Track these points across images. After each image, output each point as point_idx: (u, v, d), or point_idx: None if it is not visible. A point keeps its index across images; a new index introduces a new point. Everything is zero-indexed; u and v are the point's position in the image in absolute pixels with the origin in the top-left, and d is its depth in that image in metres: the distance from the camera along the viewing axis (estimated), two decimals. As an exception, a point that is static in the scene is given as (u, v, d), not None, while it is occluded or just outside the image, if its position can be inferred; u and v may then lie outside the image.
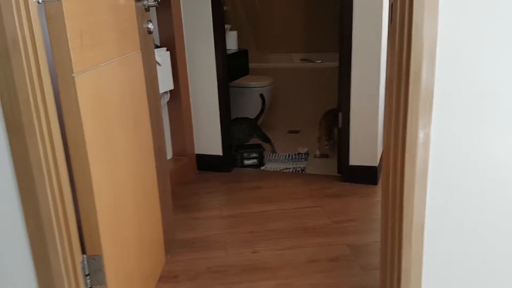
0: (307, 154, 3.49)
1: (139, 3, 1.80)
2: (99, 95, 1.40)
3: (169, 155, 3.04)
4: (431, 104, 1.22)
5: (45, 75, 1.21)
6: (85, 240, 1.40)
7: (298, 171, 3.12)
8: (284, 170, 3.15)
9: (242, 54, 3.65)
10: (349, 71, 2.70)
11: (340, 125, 2.86)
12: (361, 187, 2.76)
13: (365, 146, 2.77)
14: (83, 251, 1.41)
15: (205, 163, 3.12)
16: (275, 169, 3.18)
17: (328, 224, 2.32)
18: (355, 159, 2.80)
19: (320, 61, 4.95)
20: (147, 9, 1.87)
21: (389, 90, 1.31)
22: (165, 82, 2.76)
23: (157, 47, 2.75)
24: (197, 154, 3.13)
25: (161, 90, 2.75)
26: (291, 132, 4.11)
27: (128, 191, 1.64)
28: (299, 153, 3.51)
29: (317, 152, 3.44)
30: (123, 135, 1.59)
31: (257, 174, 3.07)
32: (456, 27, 1.19)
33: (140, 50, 1.80)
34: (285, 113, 4.46)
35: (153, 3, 1.86)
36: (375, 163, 2.77)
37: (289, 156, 3.47)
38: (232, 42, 3.55)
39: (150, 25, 1.89)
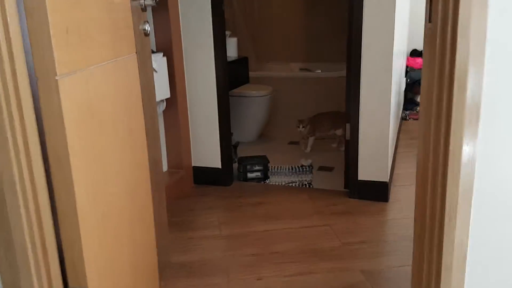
0: (311, 166, 3.30)
1: (135, 2, 1.61)
2: (88, 102, 1.21)
3: (164, 167, 2.84)
4: (478, 115, 1.04)
5: (22, 77, 1.02)
6: (68, 270, 1.20)
7: (305, 185, 2.93)
8: (290, 184, 2.96)
9: (242, 62, 3.47)
10: (358, 79, 2.53)
11: (348, 137, 2.68)
12: (371, 204, 2.57)
13: (375, 160, 2.59)
14: (65, 284, 1.20)
15: (203, 176, 2.92)
16: (280, 183, 2.98)
17: (338, 246, 2.12)
18: (364, 174, 2.62)
19: (319, 71, 4.79)
20: (144, 8, 1.69)
21: (426, 99, 1.13)
22: (161, 90, 2.57)
23: (153, 52, 2.56)
24: (194, 167, 2.93)
25: (157, 99, 2.55)
26: (291, 143, 3.93)
27: (119, 210, 1.43)
28: (302, 166, 3.32)
29: (307, 148, 3.59)
30: (115, 148, 1.39)
31: (259, 188, 2.88)
32: (508, 26, 1.02)
33: (136, 53, 1.61)
34: (284, 124, 4.28)
35: (151, 2, 1.68)
36: (386, 178, 2.59)
37: (292, 169, 3.28)
38: (232, 49, 3.38)
39: (147, 27, 1.70)
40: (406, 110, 4.56)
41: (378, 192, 2.60)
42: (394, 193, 2.67)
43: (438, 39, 1.06)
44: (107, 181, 1.33)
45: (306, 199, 2.67)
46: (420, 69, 4.83)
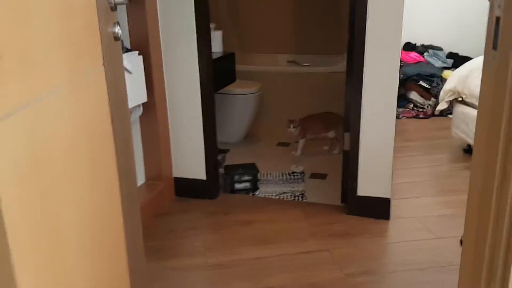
0: (303, 173, 3.04)
1: (103, 1, 1.30)
2: (34, 150, 0.90)
3: (142, 179, 2.54)
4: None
5: None
6: None
7: (297, 197, 2.68)
8: (281, 195, 2.69)
9: (228, 58, 3.15)
10: (360, 79, 2.25)
11: (347, 148, 2.42)
12: (370, 222, 2.33)
13: (376, 174, 2.34)
14: None
15: (185, 188, 2.63)
16: (270, 194, 2.72)
17: (340, 279, 1.88)
18: (363, 189, 2.37)
19: (308, 64, 4.50)
20: (114, 7, 1.37)
21: (486, 141, 0.87)
22: (137, 94, 2.26)
23: (127, 50, 2.24)
24: (175, 178, 2.64)
25: (132, 104, 2.24)
26: (280, 144, 3.66)
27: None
28: (293, 172, 3.06)
29: (297, 151, 3.38)
30: (73, 198, 1.09)
31: (248, 202, 2.60)
32: None
33: (103, 63, 1.30)
34: (273, 123, 4.00)
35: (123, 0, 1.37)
36: (388, 194, 2.35)
37: (283, 176, 3.02)
38: (217, 44, 3.05)
39: (117, 29, 1.39)
40: (399, 108, 4.33)
41: (379, 209, 2.36)
42: (395, 208, 2.43)
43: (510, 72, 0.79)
44: (64, 252, 1.03)
45: (300, 216, 2.41)
46: (415, 63, 4.62)
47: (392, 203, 2.47)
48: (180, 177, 2.62)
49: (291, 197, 2.68)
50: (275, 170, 3.11)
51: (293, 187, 2.85)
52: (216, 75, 2.70)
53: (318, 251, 2.07)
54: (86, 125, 1.16)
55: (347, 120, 2.41)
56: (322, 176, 3.01)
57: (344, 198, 2.51)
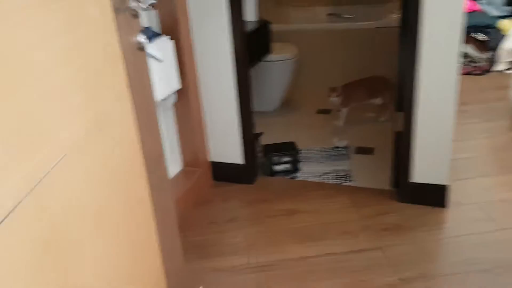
0: (346, 148, 2.85)
1: (123, 13, 1.10)
2: (42, 239, 0.76)
3: (179, 166, 2.42)
4: None
5: None
6: None
7: (343, 178, 2.50)
8: (324, 177, 2.53)
9: (263, 28, 2.89)
10: (415, 39, 1.94)
11: (399, 129, 2.20)
12: (426, 211, 2.14)
13: (433, 159, 2.11)
14: None
15: (223, 172, 2.50)
16: (312, 175, 2.55)
17: (395, 284, 1.74)
18: (418, 175, 2.16)
19: (352, 16, 4.13)
20: (137, 14, 1.17)
21: None
22: (170, 82, 2.08)
23: (156, 35, 2.03)
24: (212, 162, 2.50)
25: (165, 94, 2.07)
26: (320, 111, 3.44)
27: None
28: (336, 147, 2.87)
29: (340, 121, 3.16)
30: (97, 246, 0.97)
31: (288, 187, 2.45)
32: None
33: (129, 86, 1.12)
34: (311, 88, 3.75)
35: (147, 6, 1.16)
36: (445, 180, 2.14)
37: (325, 152, 2.83)
38: (250, 12, 2.79)
39: (143, 38, 1.20)
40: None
41: (435, 196, 2.16)
42: (451, 191, 2.21)
43: None
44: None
45: (347, 204, 2.24)
46: (469, 13, 4.16)
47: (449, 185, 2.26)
48: (217, 162, 2.49)
49: (335, 178, 2.51)
50: (315, 145, 2.92)
51: (336, 165, 2.67)
52: (251, 50, 2.47)
53: (370, 250, 1.92)
54: (109, 172, 1.01)
55: (400, 94, 2.17)
56: (369, 151, 2.80)
57: (395, 183, 2.32)
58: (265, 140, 2.81)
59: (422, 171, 2.15)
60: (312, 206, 2.24)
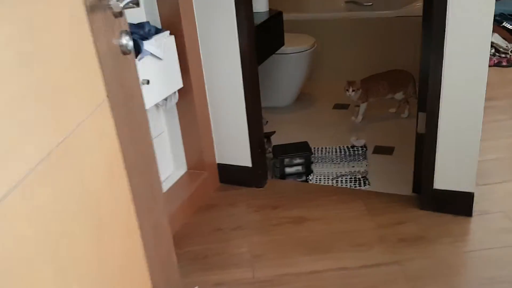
0: (364, 147, 2.67)
1: (100, 12, 0.95)
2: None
3: (184, 168, 2.29)
4: None
5: None
6: None
7: (358, 180, 2.34)
8: (339, 179, 2.37)
9: (275, 19, 2.71)
10: (440, 30, 1.75)
11: (422, 131, 2.01)
12: (449, 220, 1.97)
13: (458, 164, 1.93)
14: None
15: (230, 175, 2.36)
16: (326, 178, 2.39)
17: (414, 306, 1.58)
18: (442, 181, 1.98)
19: (370, 4, 3.91)
20: (119, 13, 1.03)
21: None
22: (170, 80, 1.94)
23: (157, 31, 1.89)
24: (219, 164, 2.36)
25: (166, 94, 1.94)
26: (337, 107, 3.26)
27: None
28: (353, 146, 2.69)
29: (358, 118, 2.98)
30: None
31: (300, 191, 2.30)
32: None
33: (108, 96, 0.98)
34: (328, 81, 3.57)
35: (129, 3, 1.01)
36: (471, 188, 1.95)
37: (341, 151, 2.67)
38: (260, 1, 2.61)
39: (126, 40, 1.05)
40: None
41: (460, 203, 1.98)
42: (477, 197, 2.02)
43: None
44: None
45: (363, 211, 2.08)
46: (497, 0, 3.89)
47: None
48: (224, 164, 2.35)
49: (350, 181, 2.35)
50: (331, 144, 2.75)
51: (353, 166, 2.51)
52: (261, 44, 2.31)
53: (386, 264, 1.76)
54: (83, 189, 0.88)
55: (422, 92, 1.98)
56: (389, 151, 2.63)
57: (416, 188, 2.15)
58: (277, 138, 2.67)
59: (446, 177, 1.97)
60: (324, 213, 2.09)
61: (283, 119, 3.14)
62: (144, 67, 1.74)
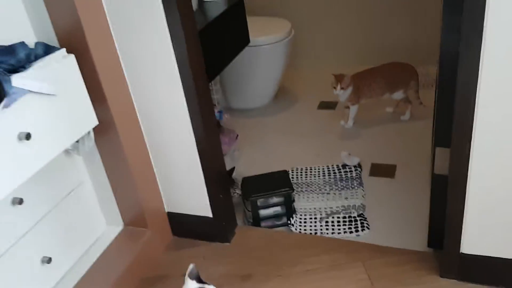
0: (359, 167, 2.09)
1: None
2: None
3: (119, 224, 1.69)
4: None
5: None
6: None
7: (354, 221, 1.77)
8: (329, 221, 1.79)
9: (234, 11, 2.03)
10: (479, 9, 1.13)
11: (444, 171, 1.42)
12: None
13: (501, 221, 1.36)
14: None
15: (186, 226, 1.76)
16: (311, 220, 1.81)
17: None
18: (474, 244, 1.41)
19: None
20: None
21: None
22: (75, 121, 1.31)
23: (46, 52, 1.23)
24: (170, 214, 1.76)
25: (68, 140, 1.32)
26: (323, 106, 2.65)
27: None
28: (345, 165, 2.11)
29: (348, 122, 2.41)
30: None
31: (278, 247, 1.69)
32: None
33: None
34: (312, 71, 2.93)
35: None
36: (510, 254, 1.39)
37: (329, 174, 2.08)
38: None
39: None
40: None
41: (497, 272, 1.42)
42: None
43: None
44: None
45: (364, 282, 1.50)
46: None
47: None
48: (177, 213, 1.75)
49: (344, 223, 1.77)
50: (317, 162, 2.16)
51: (346, 198, 1.93)
52: (213, 50, 1.67)
53: None
54: None
55: (442, 114, 1.39)
56: (389, 172, 2.05)
57: (432, 240, 1.58)
58: (248, 155, 2.09)
59: (480, 239, 1.39)
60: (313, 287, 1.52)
61: (257, 125, 2.54)
62: (20, 114, 1.11)
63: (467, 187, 1.33)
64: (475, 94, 1.21)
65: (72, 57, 1.27)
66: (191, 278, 1.16)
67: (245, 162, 2.22)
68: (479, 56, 1.15)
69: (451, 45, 1.26)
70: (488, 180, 1.30)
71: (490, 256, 1.39)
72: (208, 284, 1.17)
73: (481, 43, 1.13)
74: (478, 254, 1.41)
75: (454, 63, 1.21)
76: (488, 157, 1.28)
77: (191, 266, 1.17)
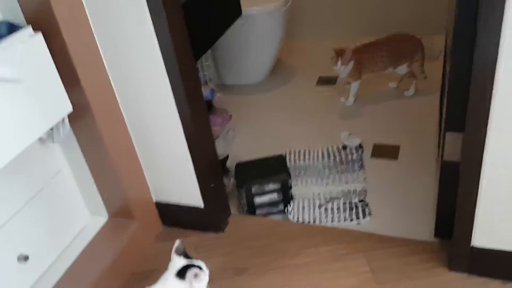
0: (360, 148, 1.97)
1: None
2: None
3: (103, 215, 1.58)
4: None
5: None
6: None
7: (355, 208, 1.66)
8: (328, 208, 1.67)
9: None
10: None
11: (455, 157, 1.30)
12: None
13: (510, 212, 1.25)
14: None
15: (176, 216, 1.65)
16: (310, 207, 1.70)
17: None
18: (486, 237, 1.30)
19: None
20: None
21: None
22: (45, 108, 1.18)
23: (11, 30, 1.09)
24: (158, 204, 1.65)
25: (38, 132, 1.18)
26: (322, 81, 2.50)
27: None
28: (345, 147, 1.99)
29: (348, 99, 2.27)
30: None
31: (275, 236, 1.59)
32: None
33: None
34: (311, 42, 2.77)
35: None
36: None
37: (329, 157, 1.96)
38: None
39: None
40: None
41: (508, 267, 1.32)
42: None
43: None
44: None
45: (366, 274, 1.40)
46: None
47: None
48: (166, 203, 1.64)
49: (344, 210, 1.66)
50: (316, 143, 2.04)
51: (346, 182, 1.81)
52: (199, 25, 1.51)
53: None
54: None
55: (453, 93, 1.26)
56: (392, 153, 1.93)
57: (439, 230, 1.48)
58: (243, 135, 1.97)
59: (493, 231, 1.28)
60: (311, 282, 1.42)
61: (252, 103, 2.41)
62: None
63: (481, 175, 1.21)
64: (494, 71, 1.07)
65: (39, 36, 1.13)
66: (178, 253, 1.10)
67: (240, 144, 2.10)
68: (501, 22, 1.00)
69: (467, 12, 1.11)
70: (505, 168, 1.18)
71: (504, 250, 1.29)
72: (196, 258, 1.09)
73: (503, 9, 0.99)
74: (491, 247, 1.30)
75: (471, 35, 1.07)
76: (506, 144, 1.15)
77: (177, 242, 1.11)
